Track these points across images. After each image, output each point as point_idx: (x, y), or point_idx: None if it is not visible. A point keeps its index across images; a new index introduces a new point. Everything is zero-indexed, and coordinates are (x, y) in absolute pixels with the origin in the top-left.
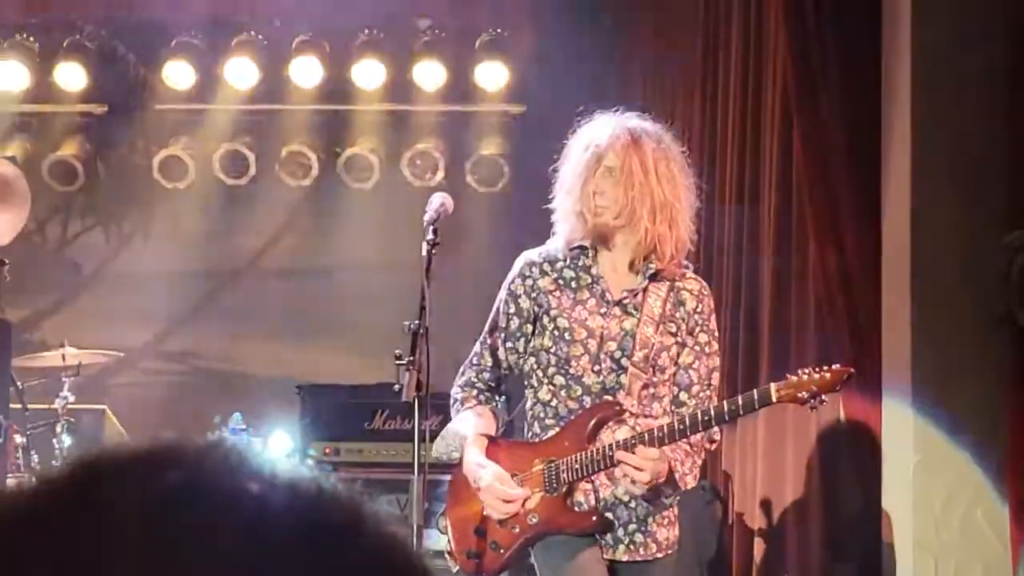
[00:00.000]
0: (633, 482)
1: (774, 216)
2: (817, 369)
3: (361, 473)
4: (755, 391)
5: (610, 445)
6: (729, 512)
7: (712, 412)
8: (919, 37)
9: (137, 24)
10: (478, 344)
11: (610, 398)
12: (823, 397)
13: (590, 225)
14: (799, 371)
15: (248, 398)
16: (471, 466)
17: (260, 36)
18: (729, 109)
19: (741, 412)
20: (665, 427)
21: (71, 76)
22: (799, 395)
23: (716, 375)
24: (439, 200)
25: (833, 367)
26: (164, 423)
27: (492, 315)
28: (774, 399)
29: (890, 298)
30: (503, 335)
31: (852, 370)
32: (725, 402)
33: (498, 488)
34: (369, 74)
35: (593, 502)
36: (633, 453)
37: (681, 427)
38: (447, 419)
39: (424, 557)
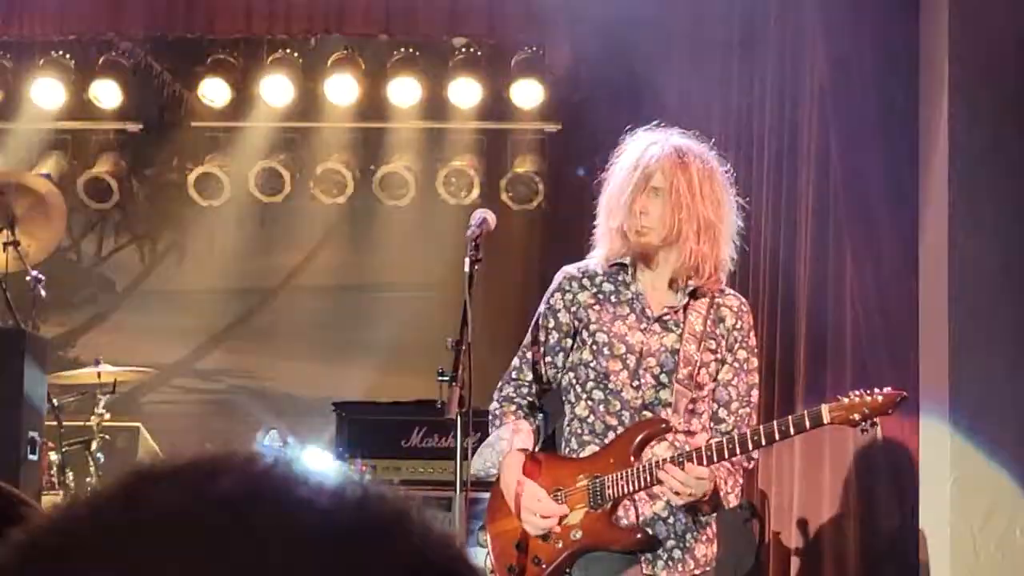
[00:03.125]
0: (677, 494)
1: (811, 234)
2: (869, 391)
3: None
4: (806, 412)
5: (657, 462)
6: (766, 530)
7: (762, 432)
8: (957, 53)
9: (172, 42)
10: (516, 359)
11: (649, 414)
12: (875, 420)
13: (633, 244)
14: (850, 393)
15: (284, 416)
16: (508, 482)
17: (295, 54)
18: (765, 125)
19: (792, 432)
20: (714, 445)
21: (106, 93)
22: (851, 417)
23: (755, 392)
24: (481, 216)
25: (885, 390)
26: (199, 441)
27: (531, 330)
28: (826, 420)
29: (927, 316)
30: (543, 349)
31: (904, 393)
32: (776, 422)
33: (535, 503)
34: (404, 91)
35: (633, 518)
36: (682, 470)
37: (731, 446)
38: (485, 436)
39: (467, 558)
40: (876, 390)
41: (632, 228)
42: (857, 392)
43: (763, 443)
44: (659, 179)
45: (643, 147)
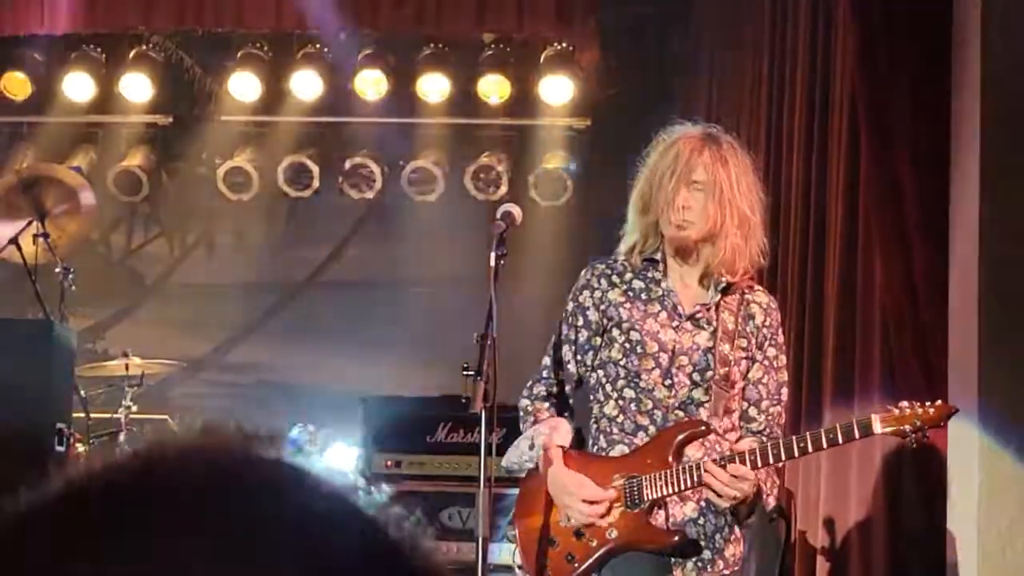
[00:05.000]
0: (719, 496)
1: (840, 230)
2: (921, 403)
3: (423, 486)
4: (855, 421)
5: (697, 463)
6: (792, 530)
7: (809, 439)
8: (989, 43)
9: (202, 36)
10: (546, 357)
11: (682, 413)
12: (926, 433)
13: (671, 238)
14: (901, 404)
15: (310, 410)
16: (556, 475)
17: (325, 49)
18: (795, 120)
19: (841, 441)
20: (758, 451)
21: (137, 87)
22: (902, 428)
23: (785, 390)
24: (507, 211)
25: (937, 403)
26: None
27: (559, 327)
28: (877, 431)
29: (957, 315)
30: (572, 348)
31: (957, 408)
32: (824, 430)
33: (583, 489)
34: (434, 87)
35: (663, 520)
36: (724, 471)
37: (775, 451)
38: (512, 431)
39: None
40: (928, 402)
41: (674, 222)
42: (908, 403)
43: (810, 450)
44: (701, 174)
45: (680, 141)
